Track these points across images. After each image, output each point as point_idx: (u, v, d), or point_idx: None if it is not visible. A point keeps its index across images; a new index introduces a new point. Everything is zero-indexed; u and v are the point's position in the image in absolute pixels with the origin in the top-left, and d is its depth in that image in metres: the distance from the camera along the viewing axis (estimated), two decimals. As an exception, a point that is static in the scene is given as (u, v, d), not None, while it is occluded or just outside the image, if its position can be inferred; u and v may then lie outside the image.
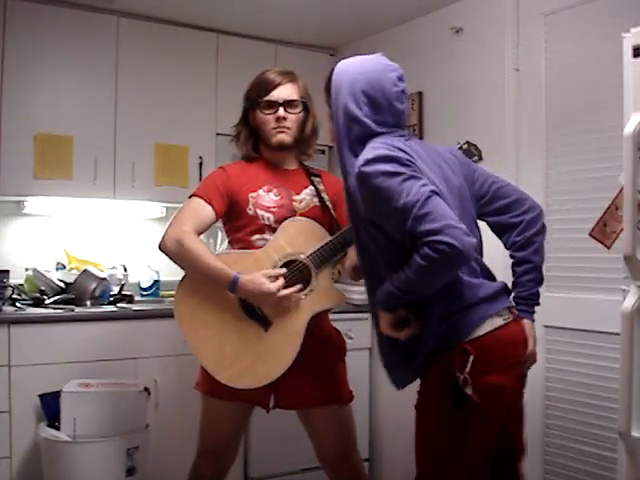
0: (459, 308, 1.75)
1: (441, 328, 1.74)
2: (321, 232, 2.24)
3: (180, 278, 2.22)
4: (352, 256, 2.30)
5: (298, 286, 2.15)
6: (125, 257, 3.57)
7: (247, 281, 2.10)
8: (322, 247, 2.20)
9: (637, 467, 1.93)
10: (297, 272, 2.20)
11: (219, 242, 3.45)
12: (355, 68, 1.84)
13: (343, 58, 1.88)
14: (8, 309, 2.86)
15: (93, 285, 3.13)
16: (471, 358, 1.68)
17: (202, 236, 2.22)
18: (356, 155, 1.76)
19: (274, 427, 3.03)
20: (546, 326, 2.75)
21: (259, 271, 2.13)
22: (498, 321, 1.77)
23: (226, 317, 2.18)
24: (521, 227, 1.93)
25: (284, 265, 2.20)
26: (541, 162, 2.85)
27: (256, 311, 2.18)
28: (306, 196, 2.32)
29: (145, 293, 3.50)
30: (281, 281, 2.12)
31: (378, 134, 1.78)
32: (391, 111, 1.81)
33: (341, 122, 1.80)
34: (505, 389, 1.76)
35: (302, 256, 2.20)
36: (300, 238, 2.21)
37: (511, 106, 2.98)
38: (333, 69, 1.87)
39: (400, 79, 1.83)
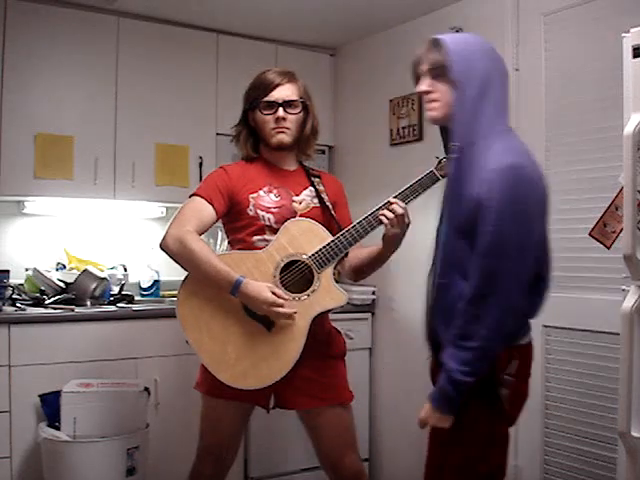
0: None
1: None
2: (323, 232, 2.23)
3: (181, 278, 2.22)
4: (351, 256, 2.31)
5: (294, 310, 2.13)
6: (125, 257, 3.57)
7: (249, 284, 2.10)
8: (324, 247, 2.19)
9: (637, 467, 1.92)
10: (299, 273, 2.19)
11: (219, 242, 3.46)
12: (487, 53, 1.79)
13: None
14: (8, 309, 2.86)
15: (93, 285, 3.13)
16: (516, 363, 1.70)
17: (202, 236, 2.22)
18: (485, 137, 1.70)
19: (274, 427, 3.04)
20: (546, 326, 2.74)
21: (267, 283, 2.13)
22: (530, 335, 1.81)
23: (229, 317, 2.18)
24: None
25: (286, 266, 2.20)
26: (541, 162, 2.84)
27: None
28: (306, 197, 2.32)
29: (145, 293, 3.51)
30: (280, 300, 2.10)
31: (503, 126, 1.77)
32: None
33: (475, 94, 1.73)
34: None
35: (304, 256, 2.20)
36: (302, 238, 2.21)
37: (511, 106, 2.96)
38: (436, 39, 1.76)
39: None
